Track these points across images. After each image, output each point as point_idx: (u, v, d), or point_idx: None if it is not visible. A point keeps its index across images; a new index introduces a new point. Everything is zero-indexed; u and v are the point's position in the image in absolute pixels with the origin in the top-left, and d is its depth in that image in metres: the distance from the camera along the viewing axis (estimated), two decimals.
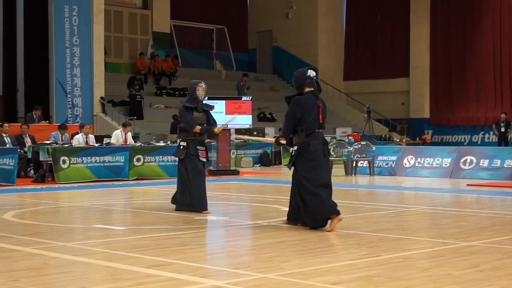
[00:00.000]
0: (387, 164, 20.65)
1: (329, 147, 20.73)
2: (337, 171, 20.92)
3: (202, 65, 34.45)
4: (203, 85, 11.37)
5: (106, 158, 18.19)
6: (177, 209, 11.29)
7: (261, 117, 30.61)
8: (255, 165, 24.44)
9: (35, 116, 22.00)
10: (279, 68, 36.05)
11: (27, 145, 19.20)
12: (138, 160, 18.67)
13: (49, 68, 24.48)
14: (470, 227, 9.69)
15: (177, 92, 30.29)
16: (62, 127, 20.35)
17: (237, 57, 35.95)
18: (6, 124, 19.41)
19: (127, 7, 31.68)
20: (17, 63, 25.69)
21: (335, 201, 9.33)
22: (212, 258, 7.58)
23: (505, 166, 18.56)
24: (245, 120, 20.85)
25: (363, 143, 21.71)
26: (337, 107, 34.05)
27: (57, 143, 18.88)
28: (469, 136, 31.56)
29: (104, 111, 25.46)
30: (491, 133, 29.99)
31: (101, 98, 25.34)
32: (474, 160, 19.13)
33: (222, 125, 12.27)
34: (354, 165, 20.64)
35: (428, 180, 18.43)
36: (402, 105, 33.69)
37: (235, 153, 23.86)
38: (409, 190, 16.18)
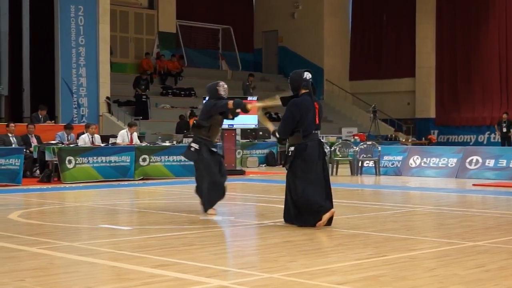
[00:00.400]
0: (393, 164, 20.63)
1: (335, 147, 20.94)
2: (343, 171, 20.92)
3: (208, 65, 34.45)
4: (223, 84, 11.17)
5: (112, 158, 18.20)
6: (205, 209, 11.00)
7: (267, 117, 30.43)
8: (261, 165, 24.45)
9: (40, 116, 22.02)
10: (285, 68, 35.99)
11: (33, 145, 19.22)
12: (144, 160, 18.68)
13: (55, 68, 24.51)
14: (476, 227, 9.67)
15: (182, 92, 30.30)
16: (68, 127, 20.37)
17: (242, 57, 35.94)
18: (12, 124, 19.42)
19: (133, 7, 31.71)
20: (23, 63, 25.72)
21: (335, 201, 9.35)
22: (218, 258, 7.58)
23: (511, 166, 18.52)
24: (250, 120, 20.81)
25: (369, 143, 21.69)
26: (343, 107, 34.03)
27: (63, 143, 18.89)
28: (475, 136, 31.51)
29: (110, 111, 25.49)
30: (497, 133, 29.96)
31: (107, 98, 25.37)
32: (480, 160, 19.10)
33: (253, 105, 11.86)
34: (360, 165, 20.62)
35: (434, 180, 18.41)
36: (408, 105, 33.66)
37: (241, 153, 23.87)
38: (415, 190, 16.17)
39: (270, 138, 25.61)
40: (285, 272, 6.52)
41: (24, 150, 18.00)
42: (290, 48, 35.81)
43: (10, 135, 19.00)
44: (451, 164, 19.57)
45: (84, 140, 19.00)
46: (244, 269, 6.77)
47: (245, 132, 25.17)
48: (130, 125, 20.21)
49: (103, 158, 18.06)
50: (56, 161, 17.57)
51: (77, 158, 17.65)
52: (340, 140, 25.34)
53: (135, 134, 20.02)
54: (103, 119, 25.07)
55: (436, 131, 32.47)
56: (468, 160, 19.31)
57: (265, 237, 8.95)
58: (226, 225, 10.33)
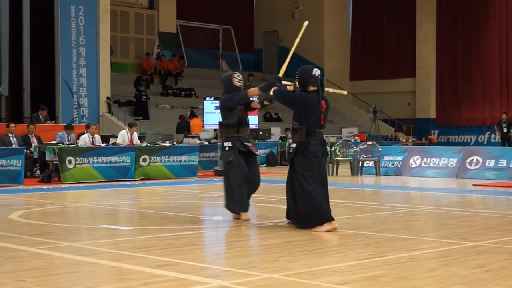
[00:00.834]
0: (393, 164, 20.63)
1: (335, 147, 20.92)
2: (343, 171, 20.92)
3: (208, 65, 34.46)
4: (238, 74, 10.74)
5: (112, 158, 18.20)
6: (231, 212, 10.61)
7: (267, 118, 30.59)
8: (261, 165, 24.42)
9: (41, 116, 22.02)
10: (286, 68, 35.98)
11: (33, 145, 19.22)
12: (144, 160, 18.68)
13: (55, 68, 24.51)
14: (477, 227, 9.67)
15: (183, 92, 30.29)
16: (68, 127, 20.38)
17: (243, 57, 35.94)
18: (12, 124, 19.42)
19: (133, 7, 31.71)
20: (23, 63, 25.72)
21: (336, 201, 9.32)
22: (219, 258, 7.58)
23: (511, 166, 18.51)
24: (251, 120, 20.73)
25: (369, 143, 21.68)
26: (343, 107, 34.01)
27: (63, 143, 18.90)
28: (475, 136, 31.51)
29: (110, 111, 25.49)
30: (497, 133, 29.96)
31: (107, 98, 25.37)
32: (480, 160, 19.10)
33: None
34: (360, 165, 20.61)
35: (434, 180, 18.40)
36: (408, 105, 33.65)
37: None
38: (415, 190, 16.16)
39: (270, 138, 25.64)
40: (285, 272, 6.52)
41: (25, 150, 18.00)
42: (291, 48, 35.71)
43: (10, 135, 19.00)
44: (452, 164, 19.56)
45: (85, 140, 19.00)
46: (244, 269, 6.76)
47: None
48: (130, 125, 20.21)
49: (104, 158, 18.06)
50: (56, 161, 17.57)
51: (78, 158, 17.65)
52: (341, 140, 25.34)
53: (135, 134, 20.03)
54: (104, 119, 25.06)
55: (436, 131, 32.46)
56: (468, 160, 19.31)
57: (265, 237, 8.94)
58: (226, 225, 10.32)
